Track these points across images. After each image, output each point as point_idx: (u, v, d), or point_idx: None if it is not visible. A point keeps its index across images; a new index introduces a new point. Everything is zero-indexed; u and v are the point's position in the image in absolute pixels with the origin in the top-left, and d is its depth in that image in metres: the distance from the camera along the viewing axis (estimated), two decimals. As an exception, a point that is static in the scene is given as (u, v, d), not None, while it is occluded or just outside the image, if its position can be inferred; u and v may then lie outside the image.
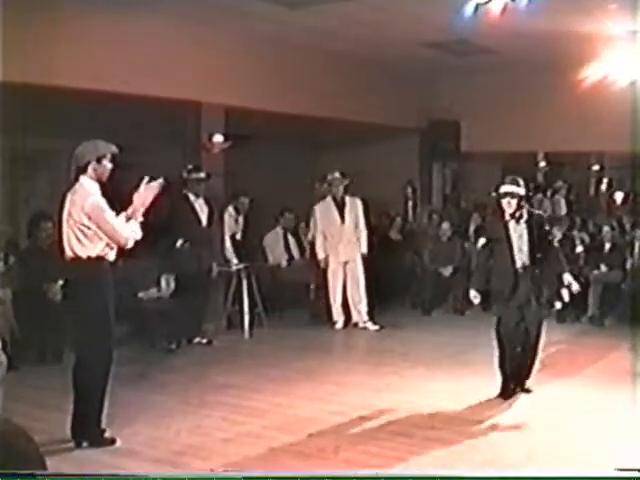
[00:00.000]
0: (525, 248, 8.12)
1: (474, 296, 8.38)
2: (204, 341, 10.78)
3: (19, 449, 3.04)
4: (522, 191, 8.22)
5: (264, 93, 12.53)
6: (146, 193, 6.61)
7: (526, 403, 7.95)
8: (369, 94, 14.41)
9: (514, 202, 8.11)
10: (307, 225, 12.83)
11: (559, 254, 8.50)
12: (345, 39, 12.59)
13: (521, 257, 8.11)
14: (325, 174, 12.38)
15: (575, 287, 8.41)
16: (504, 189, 8.20)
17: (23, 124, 10.03)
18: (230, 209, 12.33)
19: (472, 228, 14.54)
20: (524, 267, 8.10)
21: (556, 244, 8.53)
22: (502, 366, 8.21)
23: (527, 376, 8.30)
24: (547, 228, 8.54)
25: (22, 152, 12.65)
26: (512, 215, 8.14)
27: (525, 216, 8.19)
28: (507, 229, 8.15)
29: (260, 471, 5.97)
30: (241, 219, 12.40)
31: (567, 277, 8.38)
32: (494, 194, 8.57)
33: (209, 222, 10.96)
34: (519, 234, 8.14)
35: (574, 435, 6.90)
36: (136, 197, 6.61)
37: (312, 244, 12.56)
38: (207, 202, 10.97)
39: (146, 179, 6.65)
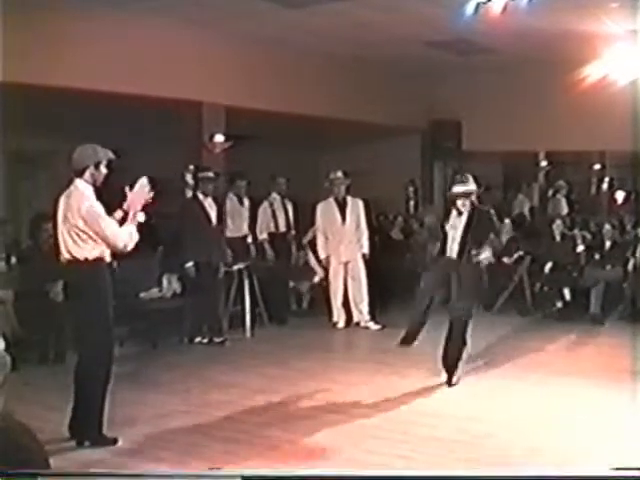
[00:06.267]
0: (457, 240, 8.35)
1: None
2: (205, 340, 10.79)
3: (24, 446, 3.03)
4: (473, 187, 8.39)
5: (265, 93, 12.54)
6: (139, 193, 6.61)
7: (521, 401, 7.97)
8: (370, 94, 14.42)
9: (467, 200, 8.36)
10: (311, 225, 12.79)
11: (498, 236, 8.76)
12: (345, 39, 12.59)
13: (452, 248, 8.37)
14: (327, 173, 12.39)
15: (484, 256, 8.39)
16: (456, 190, 8.40)
17: (23, 124, 10.04)
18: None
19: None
20: (456, 257, 8.37)
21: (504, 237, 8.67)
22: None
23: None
24: (493, 220, 8.70)
25: (22, 152, 12.67)
26: (460, 212, 8.39)
27: (468, 209, 8.40)
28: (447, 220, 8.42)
29: (259, 471, 5.98)
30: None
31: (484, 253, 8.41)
32: (449, 193, 8.74)
33: (218, 220, 10.99)
34: (455, 226, 8.38)
35: (572, 431, 6.94)
36: (130, 196, 6.61)
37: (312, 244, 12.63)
38: (215, 201, 11.00)
39: (143, 179, 6.66)
